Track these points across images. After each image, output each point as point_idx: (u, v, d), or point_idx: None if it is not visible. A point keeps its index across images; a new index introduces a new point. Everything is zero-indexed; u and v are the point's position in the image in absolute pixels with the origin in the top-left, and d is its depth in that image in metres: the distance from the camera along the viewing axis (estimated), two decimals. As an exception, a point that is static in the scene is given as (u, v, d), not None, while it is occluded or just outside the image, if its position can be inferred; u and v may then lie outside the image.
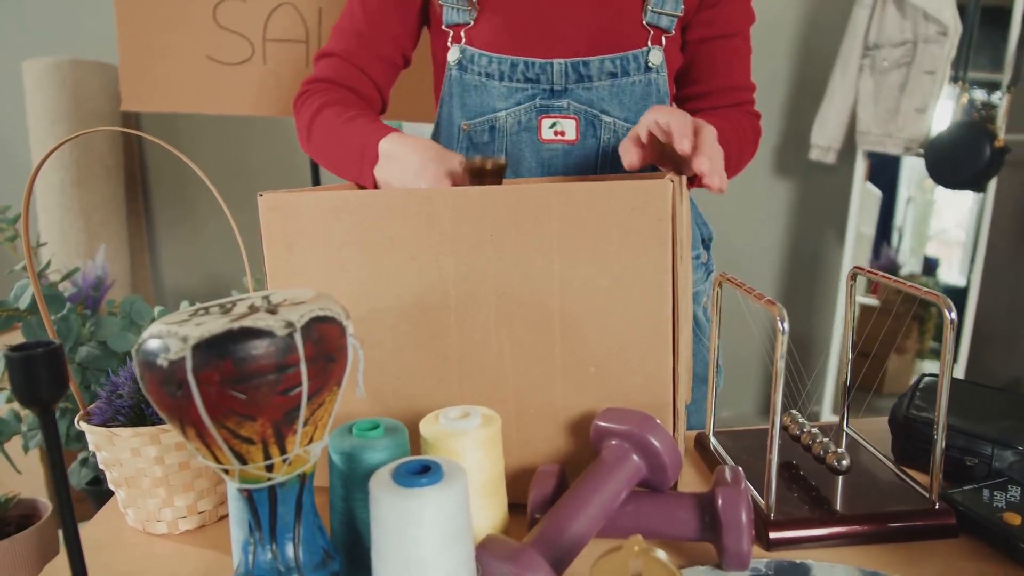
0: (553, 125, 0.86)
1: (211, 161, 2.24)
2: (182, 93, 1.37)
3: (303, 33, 1.42)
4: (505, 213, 0.58)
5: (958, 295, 2.35)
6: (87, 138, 1.97)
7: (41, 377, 0.41)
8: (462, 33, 0.87)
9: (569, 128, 0.86)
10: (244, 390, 0.40)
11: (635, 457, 0.53)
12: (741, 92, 0.93)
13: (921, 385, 0.74)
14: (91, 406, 0.63)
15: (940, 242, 2.55)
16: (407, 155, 0.75)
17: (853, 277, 0.69)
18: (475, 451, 0.52)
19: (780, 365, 0.54)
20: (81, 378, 1.03)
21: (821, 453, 0.65)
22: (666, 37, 0.86)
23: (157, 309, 1.08)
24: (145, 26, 1.34)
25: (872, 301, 2.42)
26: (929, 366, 2.55)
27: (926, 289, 0.58)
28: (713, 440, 0.71)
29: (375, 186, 0.79)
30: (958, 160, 1.89)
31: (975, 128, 1.88)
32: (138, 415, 0.59)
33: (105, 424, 0.60)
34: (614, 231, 0.56)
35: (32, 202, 2.13)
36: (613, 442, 0.54)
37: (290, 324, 0.41)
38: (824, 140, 2.19)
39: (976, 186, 1.97)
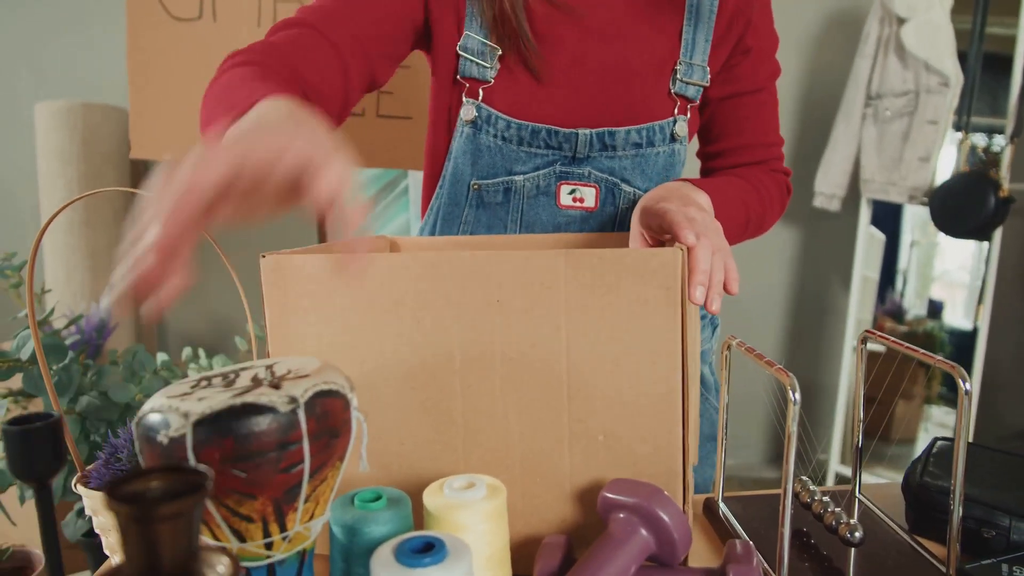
0: (572, 192, 0.85)
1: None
2: (191, 141, 1.39)
3: (312, 83, 1.44)
4: (512, 278, 0.57)
5: (965, 338, 2.33)
6: (96, 180, 1.98)
7: (38, 452, 0.41)
8: (480, 90, 0.83)
9: (589, 196, 0.85)
10: (245, 468, 0.39)
11: (643, 531, 0.52)
12: (766, 149, 0.91)
13: (935, 450, 0.73)
14: (89, 467, 0.62)
15: (944, 284, 2.55)
16: (269, 112, 0.53)
17: (863, 341, 0.68)
18: (480, 524, 0.51)
19: (793, 436, 0.53)
20: (81, 428, 1.02)
21: (833, 524, 0.63)
22: (691, 106, 0.85)
23: (160, 358, 1.07)
24: (156, 76, 1.36)
25: (878, 347, 2.40)
26: (936, 412, 2.52)
27: (939, 358, 0.57)
28: (722, 506, 0.70)
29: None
30: (963, 210, 1.89)
31: (979, 178, 1.88)
32: (136, 479, 0.58)
33: (102, 488, 0.58)
34: (622, 298, 0.56)
35: (41, 241, 2.14)
36: (621, 515, 0.53)
37: (293, 400, 0.41)
38: (828, 188, 2.19)
39: (981, 235, 1.97)
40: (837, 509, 0.64)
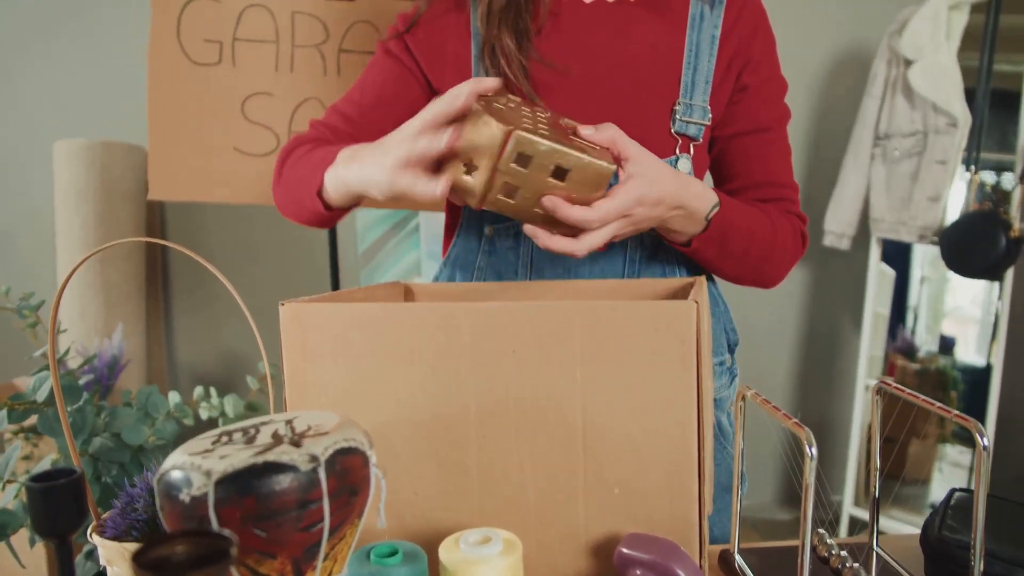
0: None
1: (233, 242, 2.28)
2: (208, 183, 1.41)
3: (327, 126, 1.46)
4: (527, 329, 0.57)
5: (978, 374, 2.30)
6: (112, 218, 2.01)
7: (61, 508, 0.41)
8: None
9: None
10: (266, 527, 0.39)
11: (661, 588, 0.52)
12: (777, 188, 0.91)
13: (952, 502, 0.72)
14: (104, 516, 0.62)
15: (955, 319, 2.53)
16: (371, 147, 0.72)
17: (879, 392, 0.68)
18: (496, 580, 0.50)
19: (810, 490, 0.53)
20: (93, 470, 1.02)
21: (852, 577, 0.63)
22: (694, 145, 0.87)
23: (172, 400, 1.08)
24: (176, 119, 1.39)
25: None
26: (951, 451, 2.48)
27: (956, 413, 0.57)
28: (739, 558, 0.69)
29: (321, 193, 0.78)
30: (973, 250, 1.89)
31: (990, 218, 1.88)
32: (152, 529, 0.58)
33: (118, 538, 0.58)
34: (637, 350, 0.56)
35: (55, 277, 2.17)
36: (638, 572, 0.52)
37: (314, 458, 0.41)
38: (838, 227, 2.20)
39: (992, 275, 1.96)
40: (855, 564, 0.63)
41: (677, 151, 0.86)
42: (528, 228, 0.69)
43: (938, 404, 0.60)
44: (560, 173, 0.66)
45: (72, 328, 1.99)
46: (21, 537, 1.11)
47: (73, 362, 1.61)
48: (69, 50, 2.17)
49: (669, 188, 0.72)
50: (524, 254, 0.88)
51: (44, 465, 0.94)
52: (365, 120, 0.90)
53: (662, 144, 0.86)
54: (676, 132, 0.86)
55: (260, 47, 1.41)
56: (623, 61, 0.85)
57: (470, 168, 0.66)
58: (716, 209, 0.79)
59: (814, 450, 0.52)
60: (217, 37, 1.38)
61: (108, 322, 2.02)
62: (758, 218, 0.86)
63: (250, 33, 1.41)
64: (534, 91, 0.84)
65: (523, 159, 0.65)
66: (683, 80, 0.86)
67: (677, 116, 0.86)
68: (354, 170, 0.72)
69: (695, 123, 0.86)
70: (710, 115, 0.86)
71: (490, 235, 0.88)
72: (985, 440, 0.54)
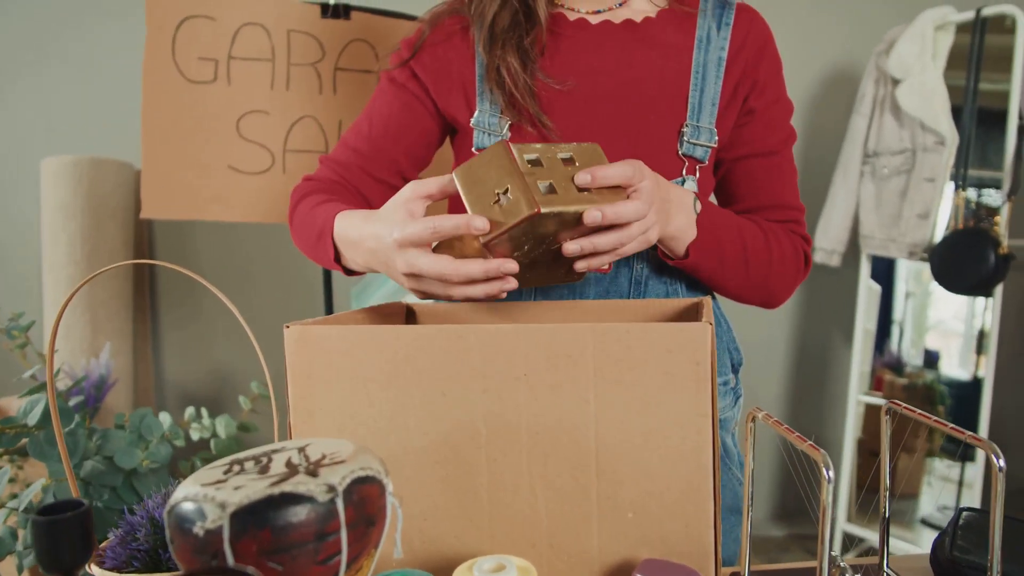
0: None
1: (222, 258, 2.26)
2: (202, 201, 1.40)
3: (323, 144, 1.46)
4: (539, 351, 0.57)
5: (963, 389, 2.32)
6: (100, 235, 1.99)
7: (67, 542, 0.39)
8: None
9: None
10: (282, 560, 0.38)
11: (679, 615, 0.51)
12: (783, 210, 0.91)
13: (961, 522, 0.71)
14: (103, 545, 0.61)
15: (939, 333, 2.54)
16: (368, 214, 0.76)
17: (889, 412, 0.68)
18: (512, 609, 0.49)
19: (827, 515, 0.52)
20: (84, 493, 1.00)
21: (865, 600, 0.62)
22: (700, 167, 0.87)
23: (166, 422, 1.06)
24: (170, 137, 1.38)
25: (878, 400, 2.38)
26: (939, 465, 2.49)
27: (970, 434, 0.57)
28: (750, 582, 0.68)
29: (335, 254, 0.80)
30: (963, 267, 1.91)
31: (979, 235, 1.90)
32: (154, 560, 0.57)
33: (118, 569, 0.57)
34: (651, 372, 0.55)
35: (41, 296, 2.13)
36: (655, 598, 0.51)
37: (331, 488, 0.40)
38: (828, 243, 2.21)
39: (982, 291, 1.98)
40: (868, 586, 0.62)
41: (684, 173, 0.86)
42: (604, 239, 0.67)
43: (951, 425, 0.59)
44: (571, 164, 0.67)
45: (59, 347, 1.96)
46: (8, 565, 1.08)
47: (61, 383, 1.58)
48: (57, 65, 2.15)
49: (658, 177, 0.74)
50: None
51: (35, 490, 0.92)
52: (375, 151, 0.91)
53: (669, 165, 0.85)
54: (683, 154, 0.86)
55: (256, 65, 1.40)
56: (629, 81, 0.85)
57: (499, 195, 0.65)
58: (697, 201, 0.80)
59: (831, 473, 0.52)
60: (212, 55, 1.38)
61: (95, 340, 1.99)
62: (743, 220, 0.86)
63: (245, 51, 1.40)
64: (540, 111, 0.84)
65: (535, 162, 0.65)
66: (690, 102, 0.86)
67: (685, 138, 0.85)
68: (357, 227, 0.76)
69: (702, 145, 0.86)
70: (716, 137, 0.86)
71: None
72: (1001, 461, 0.54)
